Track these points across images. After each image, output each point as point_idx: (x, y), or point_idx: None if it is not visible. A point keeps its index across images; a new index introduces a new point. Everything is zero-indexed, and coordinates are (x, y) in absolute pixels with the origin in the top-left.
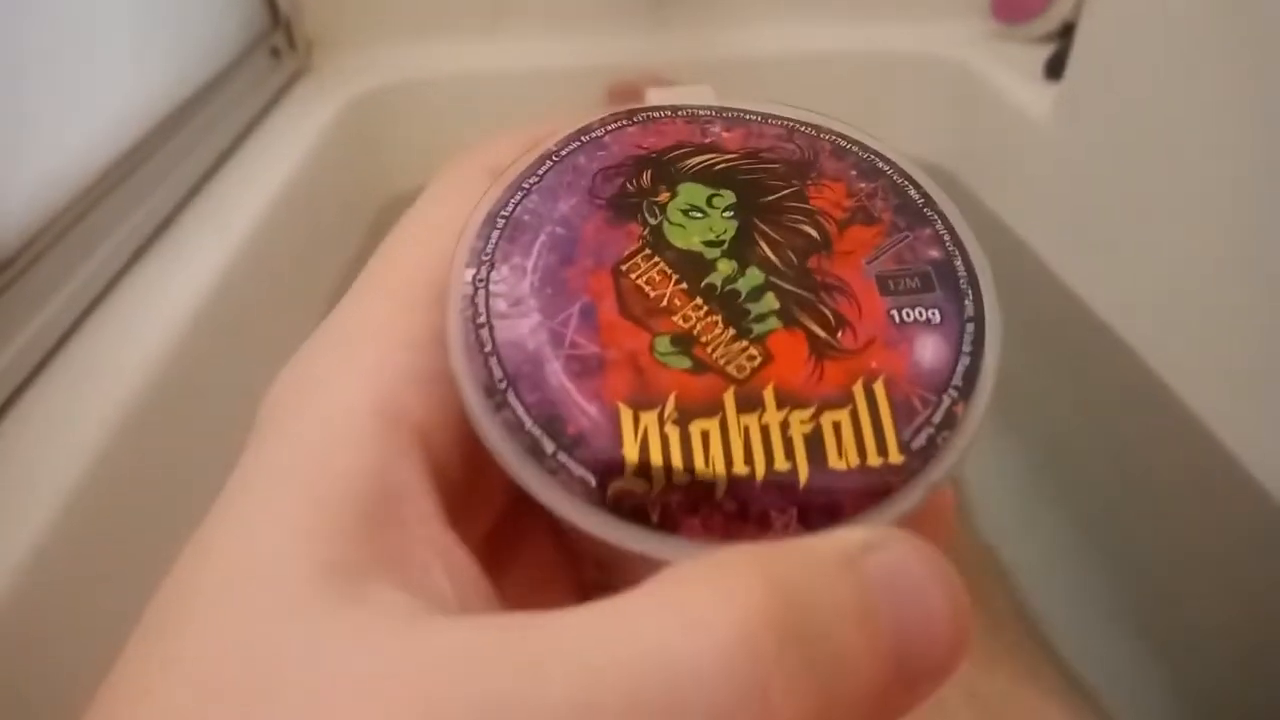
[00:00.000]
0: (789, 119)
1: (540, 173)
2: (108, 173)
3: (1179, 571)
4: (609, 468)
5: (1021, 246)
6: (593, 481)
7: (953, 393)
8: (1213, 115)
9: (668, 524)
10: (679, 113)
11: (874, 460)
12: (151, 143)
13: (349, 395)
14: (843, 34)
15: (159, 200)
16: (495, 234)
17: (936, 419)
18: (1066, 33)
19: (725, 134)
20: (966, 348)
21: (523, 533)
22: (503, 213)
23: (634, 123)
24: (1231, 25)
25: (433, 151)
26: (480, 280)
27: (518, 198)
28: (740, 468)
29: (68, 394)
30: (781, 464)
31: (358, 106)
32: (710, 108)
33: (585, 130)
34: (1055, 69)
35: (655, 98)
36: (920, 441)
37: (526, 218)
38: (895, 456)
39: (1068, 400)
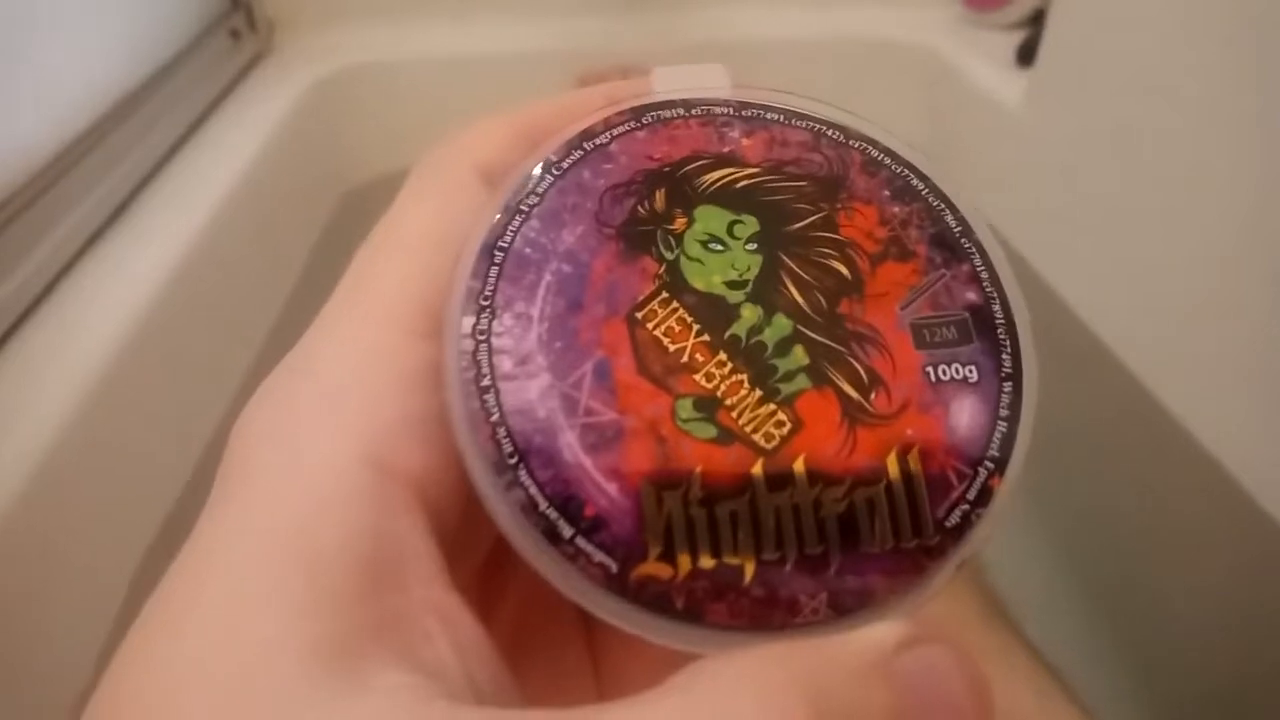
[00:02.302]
0: (815, 119)
1: (540, 190)
2: (62, 156)
3: (1148, 553)
4: (631, 553)
5: (992, 231)
6: (613, 567)
7: (988, 464)
8: (1185, 101)
9: (692, 611)
10: (692, 110)
11: (908, 542)
12: (108, 125)
13: (336, 442)
14: (813, 19)
15: (116, 184)
16: (494, 271)
17: (971, 495)
18: (1038, 19)
19: (745, 141)
20: (1003, 412)
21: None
22: (501, 243)
23: (642, 125)
24: (1204, 10)
25: (397, 136)
26: (481, 332)
27: (516, 223)
28: (770, 553)
29: (23, 378)
30: (813, 548)
31: (319, 90)
32: (727, 103)
33: (588, 134)
34: (1026, 56)
35: (662, 80)
36: (955, 519)
37: (528, 250)
38: (928, 536)
39: (1042, 391)
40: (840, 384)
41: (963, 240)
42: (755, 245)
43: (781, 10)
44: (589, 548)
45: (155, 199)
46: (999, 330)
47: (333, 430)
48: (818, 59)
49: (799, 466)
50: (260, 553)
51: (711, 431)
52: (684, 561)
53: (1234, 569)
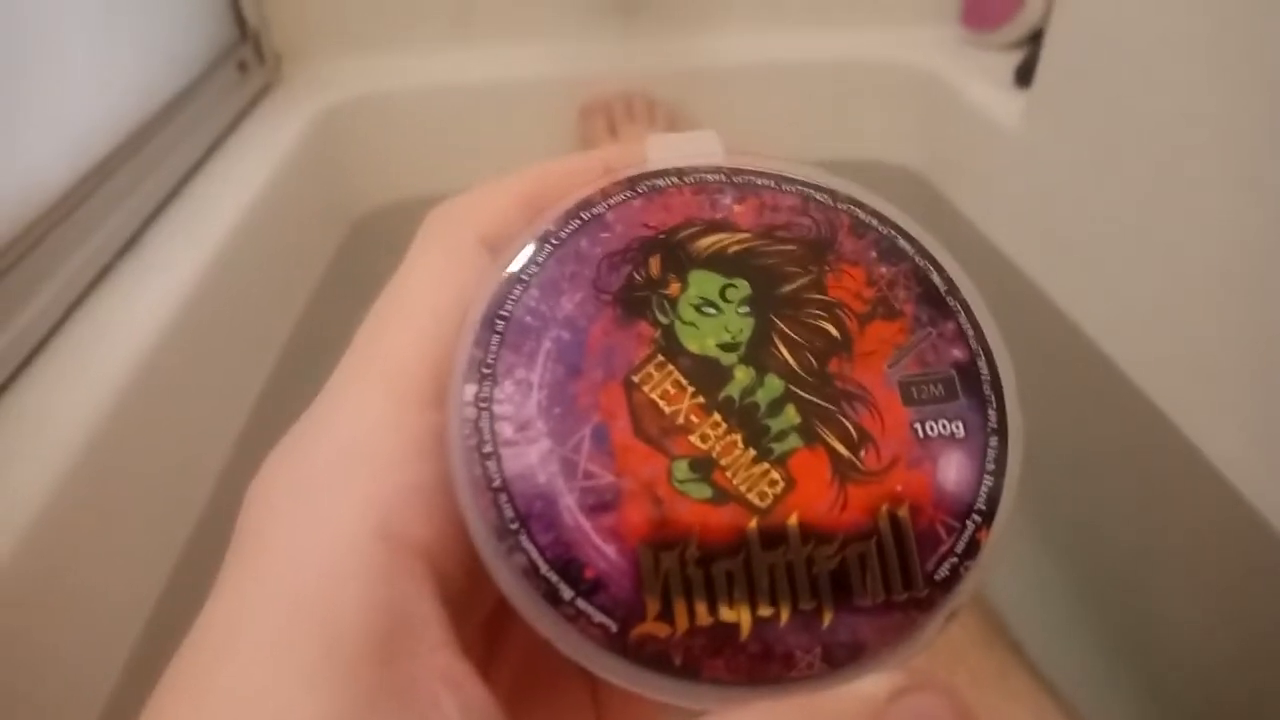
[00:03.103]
0: (804, 183)
1: (540, 260)
2: (73, 189)
3: (1150, 568)
4: (630, 613)
5: (993, 252)
6: (613, 628)
7: (976, 518)
8: (1181, 119)
9: (690, 668)
10: (685, 179)
11: (898, 595)
12: (118, 158)
13: (348, 513)
14: (813, 42)
15: (126, 216)
16: (496, 340)
17: (960, 548)
18: (1035, 39)
19: (737, 207)
20: (990, 466)
21: None
22: (502, 312)
23: (637, 194)
24: (1199, 29)
25: (404, 164)
26: (484, 400)
27: (517, 292)
28: (764, 610)
29: (37, 410)
30: (806, 604)
31: (327, 120)
32: (719, 170)
33: (586, 205)
34: (1025, 76)
35: (656, 149)
36: (944, 572)
37: (529, 319)
38: (919, 590)
39: (1038, 398)
40: (831, 442)
41: (949, 298)
42: (747, 308)
43: (781, 33)
44: (589, 609)
45: (166, 231)
46: (985, 386)
47: (345, 501)
48: (817, 81)
49: (792, 524)
50: (279, 625)
51: (707, 492)
52: (682, 620)
53: (1236, 580)
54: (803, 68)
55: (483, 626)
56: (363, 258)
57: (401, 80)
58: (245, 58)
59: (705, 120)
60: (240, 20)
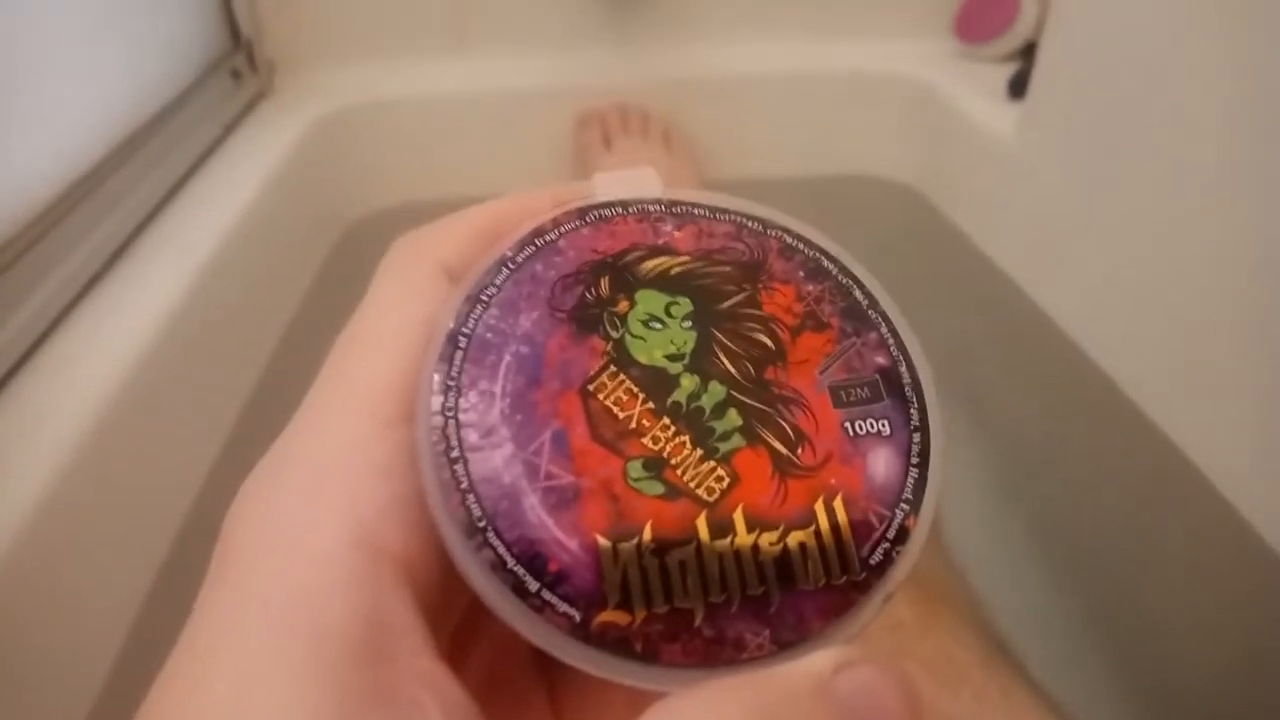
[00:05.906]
0: (736, 213)
1: (498, 282)
2: (64, 196)
3: (1149, 586)
4: (592, 602)
5: (987, 263)
6: (577, 617)
7: (904, 506)
8: (1176, 130)
9: (649, 653)
10: (629, 209)
11: (837, 579)
12: (109, 166)
13: (327, 529)
14: (807, 53)
15: (117, 224)
16: (459, 355)
17: (891, 534)
18: (1029, 52)
19: (677, 233)
20: (914, 459)
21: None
22: (464, 330)
23: (587, 223)
24: (1191, 43)
25: (396, 173)
26: (449, 410)
27: (478, 312)
28: (716, 595)
29: (23, 422)
30: (754, 589)
31: (320, 129)
32: (659, 202)
33: (539, 232)
34: (1018, 88)
35: (601, 185)
36: (877, 557)
37: (489, 336)
38: (856, 574)
39: (1036, 415)
40: (771, 441)
41: (870, 311)
42: (690, 323)
43: (775, 44)
44: (554, 600)
45: (157, 239)
46: (906, 388)
47: (323, 517)
48: (811, 92)
49: (738, 516)
50: (265, 632)
51: (660, 489)
52: (640, 608)
53: (1233, 596)
54: (797, 79)
55: (452, 634)
56: (354, 266)
57: (395, 89)
58: (238, 66)
59: (699, 132)
60: (233, 28)
